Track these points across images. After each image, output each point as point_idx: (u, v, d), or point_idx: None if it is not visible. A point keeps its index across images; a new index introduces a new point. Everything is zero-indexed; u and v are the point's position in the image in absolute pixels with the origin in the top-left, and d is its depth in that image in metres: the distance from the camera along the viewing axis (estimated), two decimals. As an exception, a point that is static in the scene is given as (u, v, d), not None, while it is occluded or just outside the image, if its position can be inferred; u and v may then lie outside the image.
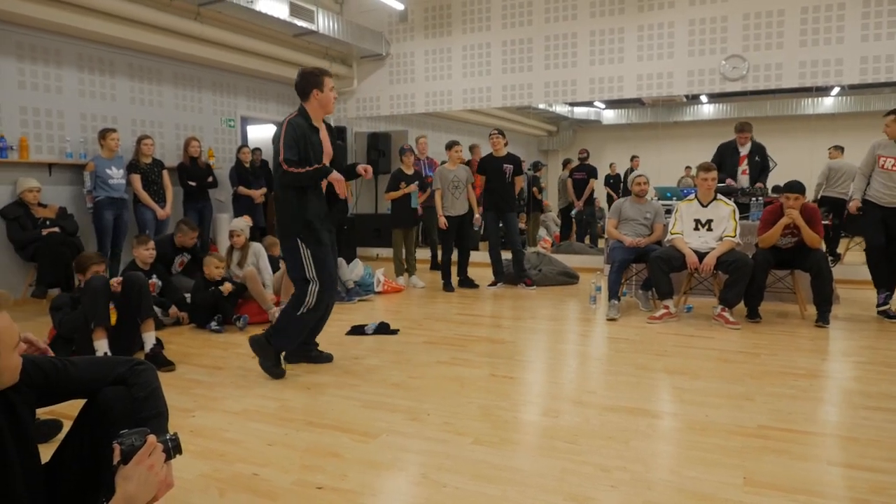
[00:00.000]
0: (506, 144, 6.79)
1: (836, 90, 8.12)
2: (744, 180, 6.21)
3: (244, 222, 5.73)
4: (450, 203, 6.75)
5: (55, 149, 6.35)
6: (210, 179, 7.22)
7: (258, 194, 7.61)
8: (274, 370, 3.62)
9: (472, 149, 8.83)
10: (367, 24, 9.19)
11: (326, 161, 3.68)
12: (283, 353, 3.76)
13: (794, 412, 2.96)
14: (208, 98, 8.12)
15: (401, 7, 8.84)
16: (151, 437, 1.52)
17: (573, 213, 9.36)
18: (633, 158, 9.63)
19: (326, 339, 4.59)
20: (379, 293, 6.53)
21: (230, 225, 5.75)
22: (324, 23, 8.15)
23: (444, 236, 6.87)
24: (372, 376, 3.64)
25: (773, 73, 7.38)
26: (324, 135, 3.70)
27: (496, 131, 6.78)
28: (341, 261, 6.22)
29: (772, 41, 7.33)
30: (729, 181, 6.10)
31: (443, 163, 7.33)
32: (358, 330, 4.78)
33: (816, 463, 2.42)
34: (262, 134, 9.75)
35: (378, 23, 9.37)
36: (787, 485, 2.22)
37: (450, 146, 6.87)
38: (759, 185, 6.04)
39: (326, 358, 3.96)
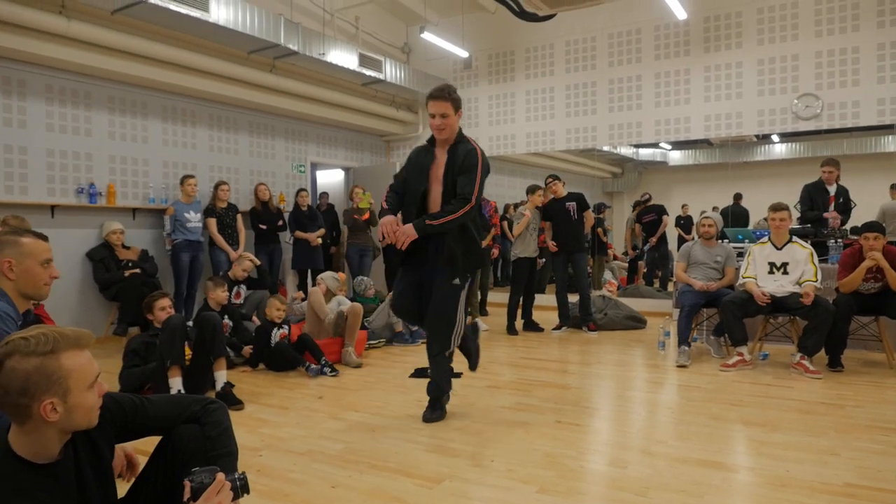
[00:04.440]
0: (563, 185, 6.88)
1: (919, 127, 7.75)
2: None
3: (331, 276, 5.87)
4: (527, 244, 6.77)
5: (139, 195, 6.73)
6: (280, 223, 7.46)
7: (314, 237, 7.67)
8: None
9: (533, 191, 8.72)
10: (432, 71, 9.44)
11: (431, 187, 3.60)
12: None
13: (884, 469, 2.76)
14: (281, 145, 8.47)
15: (465, 55, 9.05)
16: (220, 476, 1.56)
17: (646, 247, 9.21)
18: (683, 206, 9.49)
19: (390, 380, 4.62)
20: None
21: (321, 275, 5.93)
22: (391, 71, 8.44)
23: (516, 278, 6.86)
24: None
25: (849, 111, 7.12)
26: (437, 162, 3.66)
27: (551, 177, 6.87)
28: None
29: (847, 78, 7.11)
30: (826, 215, 5.83)
31: (516, 205, 7.43)
32: (421, 373, 4.76)
33: (912, 527, 2.24)
34: (330, 179, 10.07)
35: (443, 70, 9.61)
36: (879, 550, 2.06)
37: (532, 190, 6.91)
38: (829, 217, 5.77)
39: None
